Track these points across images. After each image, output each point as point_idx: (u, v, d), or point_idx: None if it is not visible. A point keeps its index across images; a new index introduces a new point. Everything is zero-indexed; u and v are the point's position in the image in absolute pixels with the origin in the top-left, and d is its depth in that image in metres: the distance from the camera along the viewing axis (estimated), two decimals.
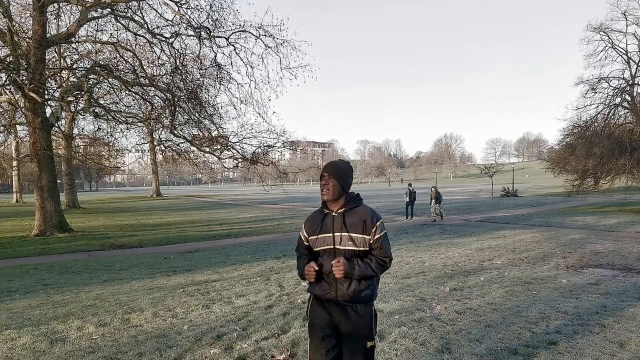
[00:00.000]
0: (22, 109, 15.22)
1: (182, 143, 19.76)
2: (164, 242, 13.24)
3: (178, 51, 16.35)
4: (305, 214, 2.24)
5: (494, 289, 5.83)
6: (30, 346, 3.92)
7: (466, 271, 7.20)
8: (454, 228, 14.60)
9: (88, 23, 16.10)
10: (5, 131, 19.48)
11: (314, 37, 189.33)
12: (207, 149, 18.60)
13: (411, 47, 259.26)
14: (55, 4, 16.26)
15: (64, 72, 18.99)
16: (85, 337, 4.18)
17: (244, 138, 17.77)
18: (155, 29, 16.01)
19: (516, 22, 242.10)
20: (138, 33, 16.08)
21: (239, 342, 3.88)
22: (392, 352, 3.60)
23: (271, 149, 18.54)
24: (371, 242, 2.15)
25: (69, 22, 19.77)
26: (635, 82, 21.32)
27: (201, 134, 18.42)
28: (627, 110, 21.96)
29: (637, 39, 21.22)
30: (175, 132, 17.87)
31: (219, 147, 18.28)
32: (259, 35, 16.36)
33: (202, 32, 15.71)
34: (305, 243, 2.30)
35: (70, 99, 16.56)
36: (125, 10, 15.38)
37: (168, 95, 16.40)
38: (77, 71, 18.21)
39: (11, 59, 14.39)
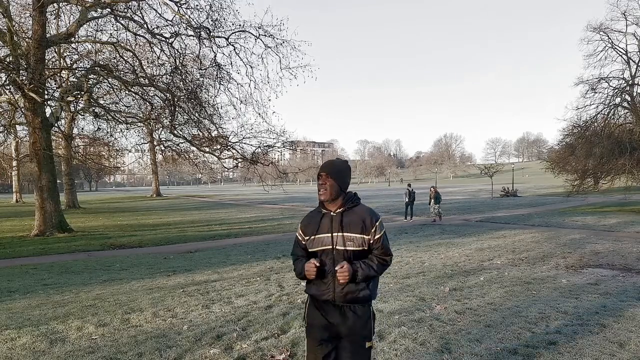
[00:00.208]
0: (22, 109, 15.21)
1: (182, 143, 19.79)
2: (163, 242, 13.23)
3: (178, 51, 16.36)
4: (305, 214, 2.23)
5: (493, 289, 5.83)
6: (30, 346, 3.92)
7: (466, 271, 7.20)
8: (454, 228, 14.61)
9: (88, 23, 16.10)
10: (5, 131, 19.48)
11: (313, 37, 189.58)
12: (207, 149, 18.60)
13: (411, 47, 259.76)
14: (55, 4, 16.26)
15: (63, 72, 18.96)
16: (85, 337, 4.18)
17: (243, 138, 17.79)
18: (155, 29, 16.01)
19: (516, 22, 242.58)
20: (138, 33, 16.08)
21: (238, 342, 3.88)
22: (391, 352, 3.60)
23: (271, 149, 18.55)
24: (371, 242, 2.13)
25: (69, 22, 19.77)
26: (635, 82, 21.33)
27: (201, 134, 18.43)
28: (627, 110, 21.96)
29: (636, 39, 21.23)
30: (175, 132, 17.88)
31: (218, 147, 18.29)
32: (259, 35, 16.37)
33: (202, 32, 15.71)
34: (303, 242, 2.25)
35: (70, 99, 16.55)
36: (125, 10, 15.38)
37: (168, 95, 16.40)
38: (76, 71, 18.20)
39: (11, 59, 14.38)
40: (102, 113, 18.10)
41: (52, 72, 16.94)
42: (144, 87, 16.83)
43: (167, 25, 16.26)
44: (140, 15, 15.40)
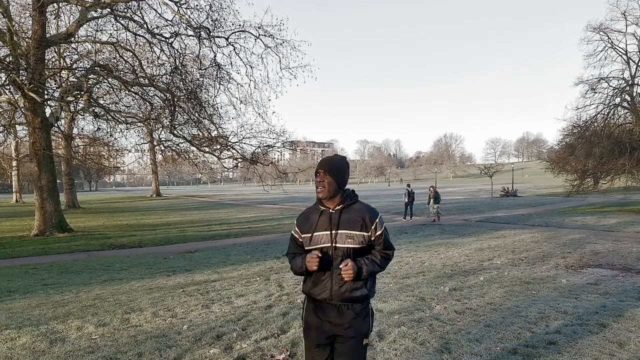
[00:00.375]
0: (22, 109, 15.21)
1: (181, 143, 19.77)
2: (163, 242, 13.24)
3: (178, 51, 16.36)
4: (301, 212, 2.20)
5: (493, 289, 5.83)
6: (30, 346, 3.92)
7: (466, 271, 7.21)
8: (454, 228, 14.61)
9: (88, 23, 16.09)
10: (5, 131, 19.48)
11: (313, 37, 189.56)
12: (207, 149, 18.59)
13: (411, 47, 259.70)
14: (55, 4, 16.26)
15: (63, 72, 18.95)
16: (85, 337, 4.18)
17: (243, 138, 17.79)
18: (155, 29, 16.01)
19: (516, 22, 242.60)
20: (138, 33, 16.07)
21: (238, 342, 3.88)
22: (391, 352, 3.60)
23: (271, 149, 18.54)
24: (372, 239, 2.12)
25: (69, 22, 19.76)
26: (635, 82, 21.34)
27: (201, 134, 18.42)
28: (626, 110, 21.97)
29: (636, 39, 21.24)
30: (175, 132, 17.87)
31: (218, 147, 18.28)
32: (259, 35, 16.37)
33: (202, 32, 15.71)
34: (299, 240, 2.20)
35: (69, 99, 16.54)
36: (125, 10, 15.37)
37: (168, 95, 16.40)
38: (76, 71, 18.18)
39: (11, 59, 14.38)
40: (102, 113, 18.09)
41: (52, 72, 16.92)
42: (144, 87, 16.82)
43: (167, 25, 16.27)
44: (140, 15, 15.41)
